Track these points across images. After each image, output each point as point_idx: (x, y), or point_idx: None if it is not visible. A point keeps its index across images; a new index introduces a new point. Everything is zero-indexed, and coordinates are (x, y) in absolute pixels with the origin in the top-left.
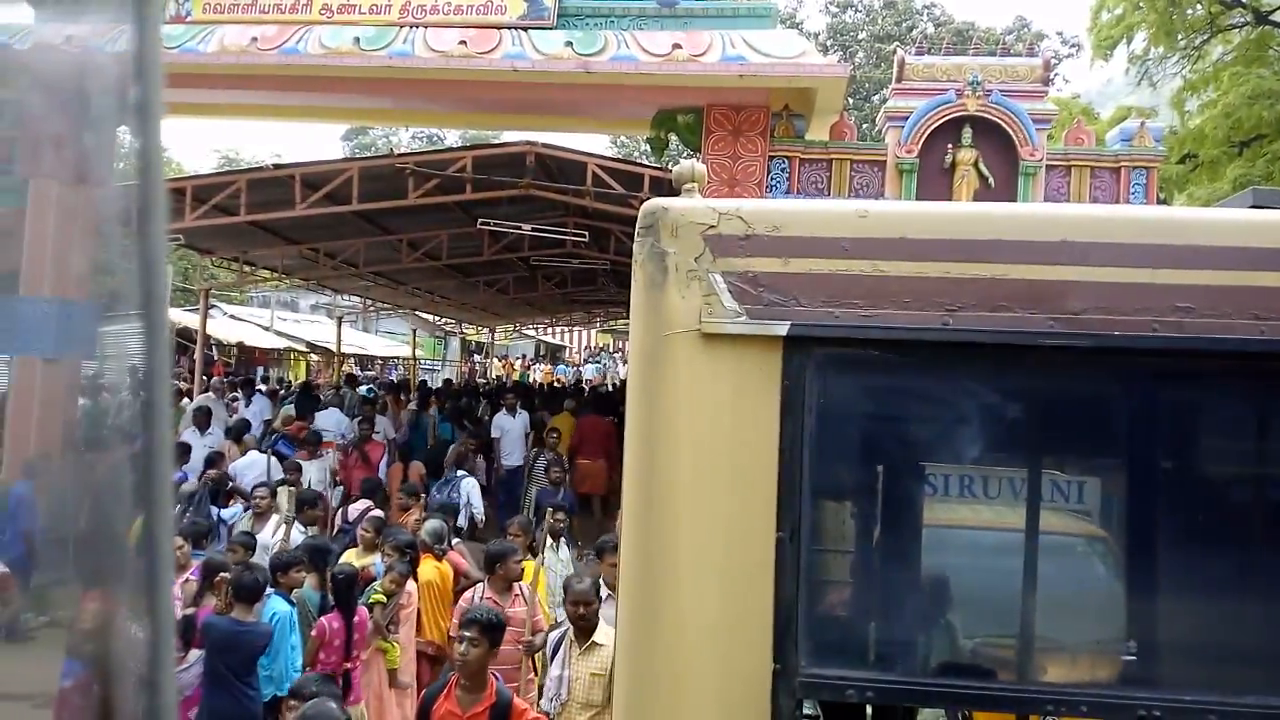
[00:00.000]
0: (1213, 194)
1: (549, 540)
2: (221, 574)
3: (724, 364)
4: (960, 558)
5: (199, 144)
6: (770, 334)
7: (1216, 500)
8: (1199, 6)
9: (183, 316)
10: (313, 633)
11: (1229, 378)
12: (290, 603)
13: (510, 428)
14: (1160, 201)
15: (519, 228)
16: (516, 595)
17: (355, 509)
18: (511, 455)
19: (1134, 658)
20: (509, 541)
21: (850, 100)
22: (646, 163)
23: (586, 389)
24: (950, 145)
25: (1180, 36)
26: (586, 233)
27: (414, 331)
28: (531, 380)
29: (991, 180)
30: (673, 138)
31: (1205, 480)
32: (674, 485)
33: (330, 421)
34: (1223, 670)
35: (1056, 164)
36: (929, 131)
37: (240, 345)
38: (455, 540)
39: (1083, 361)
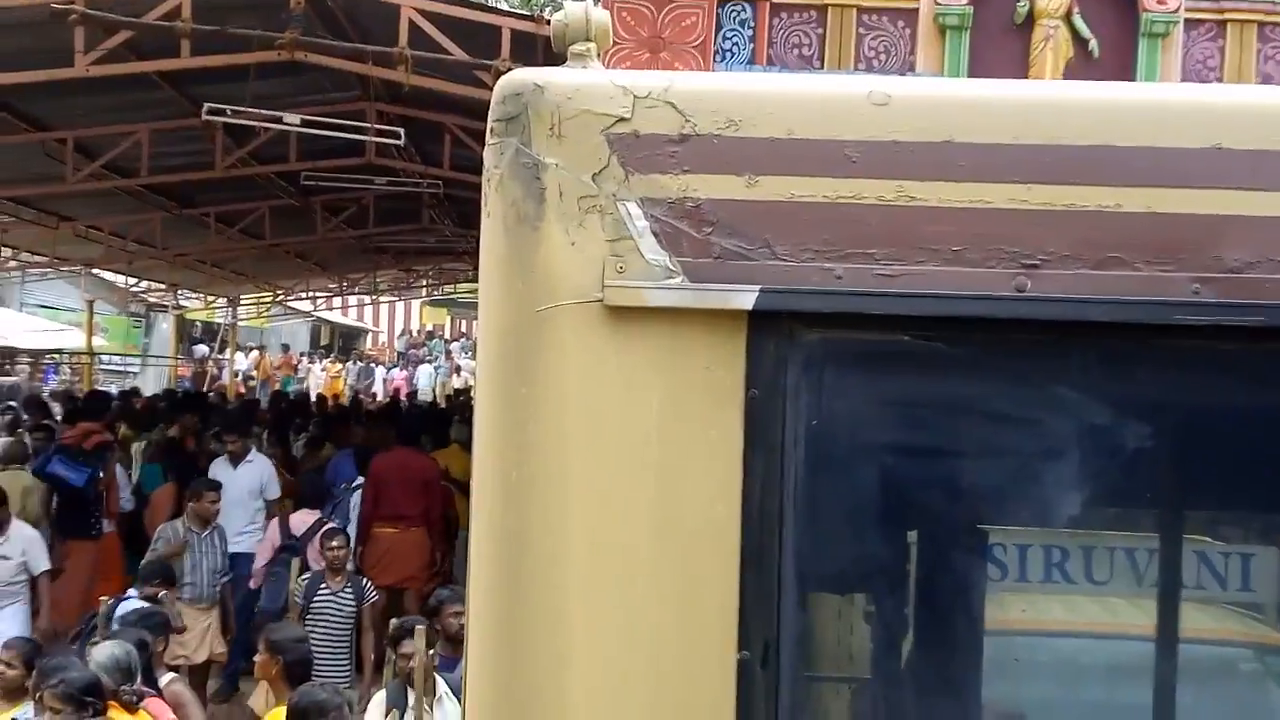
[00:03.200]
0: None
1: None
2: None
3: (643, 358)
4: (1049, 686)
5: None
6: (726, 307)
7: None
8: None
9: None
10: None
11: None
12: None
13: (229, 484)
14: None
15: (278, 121)
16: None
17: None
18: (235, 538)
19: None
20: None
21: None
22: (506, 7)
23: (404, 405)
24: None
25: None
26: (401, 130)
27: (90, 304)
28: (304, 390)
29: (1094, 44)
30: None
31: None
32: (555, 576)
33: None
34: None
35: (1202, 17)
36: None
37: None
38: (170, 675)
39: (1252, 349)
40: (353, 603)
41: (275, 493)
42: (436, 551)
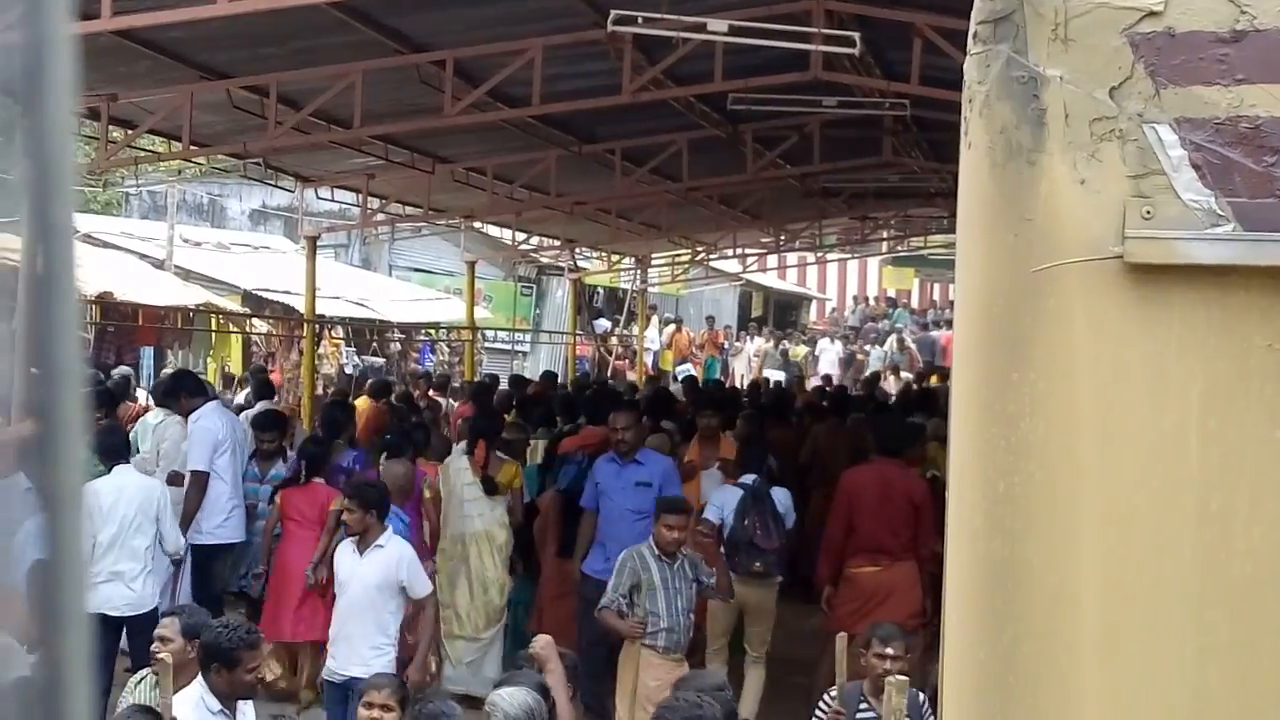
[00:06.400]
0: None
1: None
2: None
3: (1179, 334)
4: None
5: None
6: None
7: None
8: None
9: None
10: None
11: None
12: None
13: (348, 579)
14: None
15: (701, 29)
16: None
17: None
18: (359, 665)
19: None
20: None
21: None
22: None
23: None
24: None
25: None
26: (856, 35)
27: (472, 266)
28: (731, 379)
29: None
30: None
31: None
32: (1060, 626)
33: None
34: None
35: None
36: None
37: (104, 300)
38: None
39: None
40: None
41: (424, 588)
42: (928, 596)
